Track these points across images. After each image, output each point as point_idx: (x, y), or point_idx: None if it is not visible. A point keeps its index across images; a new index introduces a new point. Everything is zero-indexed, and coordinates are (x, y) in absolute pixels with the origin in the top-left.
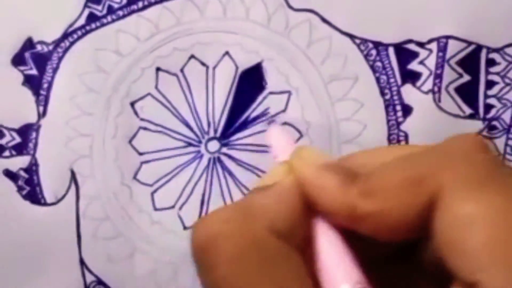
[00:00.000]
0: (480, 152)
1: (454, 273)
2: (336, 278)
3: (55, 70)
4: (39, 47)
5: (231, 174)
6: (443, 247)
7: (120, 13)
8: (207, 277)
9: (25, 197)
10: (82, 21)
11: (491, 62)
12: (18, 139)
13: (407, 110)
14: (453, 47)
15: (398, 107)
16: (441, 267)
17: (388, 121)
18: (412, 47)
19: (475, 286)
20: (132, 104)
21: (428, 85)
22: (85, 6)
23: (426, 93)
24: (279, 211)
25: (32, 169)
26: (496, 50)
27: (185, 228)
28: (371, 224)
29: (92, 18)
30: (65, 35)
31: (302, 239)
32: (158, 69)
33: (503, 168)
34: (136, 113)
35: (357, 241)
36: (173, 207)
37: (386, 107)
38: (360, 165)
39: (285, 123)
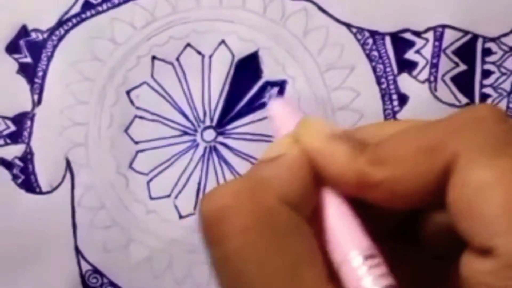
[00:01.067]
0: (498, 121)
1: (469, 240)
2: (345, 245)
3: (49, 58)
4: (33, 35)
5: (227, 163)
6: (458, 213)
7: (116, 1)
8: (217, 250)
9: (20, 185)
10: (77, 9)
11: (487, 52)
12: (12, 128)
13: (403, 99)
14: (449, 36)
15: (394, 96)
16: (442, 241)
17: (384, 110)
18: (408, 36)
19: (491, 251)
20: (128, 93)
21: (424, 74)
22: None
23: (423, 82)
24: (289, 182)
25: (27, 157)
26: (493, 40)
27: (181, 217)
28: (382, 192)
29: (87, 6)
30: (60, 23)
31: (312, 209)
32: (154, 57)
33: None
34: (131, 101)
35: (361, 215)
36: (169, 196)
37: (383, 96)
38: (369, 136)
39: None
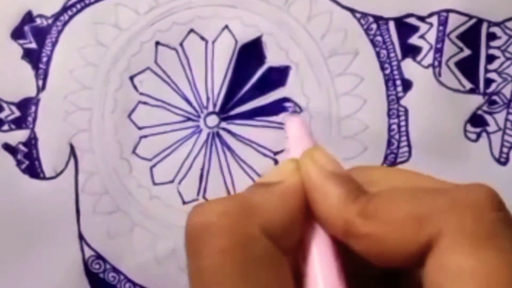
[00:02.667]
0: (491, 209)
1: None
2: (317, 285)
3: (54, 43)
4: (38, 21)
5: (229, 148)
6: None
7: None
8: (192, 264)
9: (24, 171)
10: None
11: (491, 36)
12: (17, 113)
13: (407, 85)
14: (453, 21)
15: (398, 82)
16: None
17: (388, 96)
18: (412, 21)
19: None
20: (131, 78)
21: (429, 59)
22: None
23: (426, 67)
24: (277, 212)
25: (31, 143)
26: (497, 24)
27: (184, 202)
28: (364, 244)
29: None
30: (64, 9)
31: (295, 241)
32: (157, 43)
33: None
34: (135, 87)
35: (350, 257)
36: (172, 181)
37: (386, 81)
38: (370, 182)
39: (284, 99)
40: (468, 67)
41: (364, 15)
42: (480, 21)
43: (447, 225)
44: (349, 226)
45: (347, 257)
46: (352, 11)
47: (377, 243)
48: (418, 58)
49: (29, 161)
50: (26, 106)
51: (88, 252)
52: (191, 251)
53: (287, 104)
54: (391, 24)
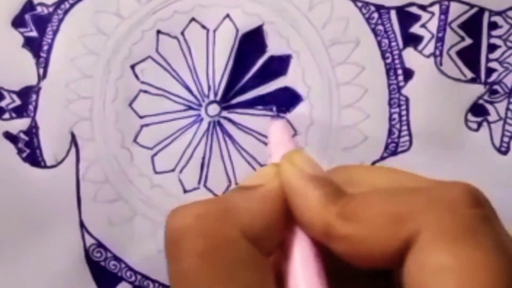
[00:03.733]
0: (469, 206)
1: None
2: (298, 286)
3: (55, 32)
4: (39, 9)
5: (231, 137)
6: None
7: None
8: (172, 268)
9: (25, 159)
10: None
11: (493, 25)
12: (18, 102)
13: (408, 74)
14: (455, 9)
15: (399, 71)
16: None
17: (389, 85)
18: (414, 10)
19: None
20: (133, 67)
21: (430, 48)
22: None
23: (428, 56)
24: (256, 215)
25: (32, 131)
26: (499, 13)
27: (185, 191)
28: (344, 246)
29: None
30: None
31: (276, 243)
32: (158, 31)
33: (491, 226)
34: (136, 76)
35: (333, 257)
36: (173, 170)
37: (387, 71)
38: (351, 182)
39: (285, 88)
40: (469, 57)
41: (366, 4)
42: (481, 10)
43: (425, 223)
44: (329, 228)
45: (334, 258)
46: (354, 0)
47: (357, 245)
48: (420, 47)
49: (30, 150)
50: (27, 94)
51: (89, 241)
52: (170, 255)
53: (271, 108)
54: (393, 13)
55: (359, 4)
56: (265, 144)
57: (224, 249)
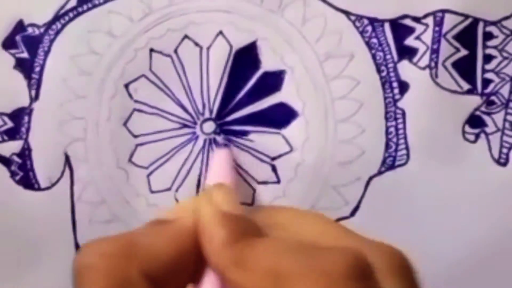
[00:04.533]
0: (349, 279)
1: None
2: None
3: (46, 53)
4: (30, 30)
5: None
6: None
7: None
8: None
9: (19, 182)
10: (73, 2)
11: (488, 36)
12: (10, 124)
13: (404, 87)
14: (449, 21)
15: (395, 84)
16: None
17: (385, 98)
18: (408, 22)
19: None
20: (126, 86)
21: (425, 60)
22: None
23: (423, 68)
24: (161, 254)
25: (25, 154)
26: (494, 23)
27: None
28: None
29: None
30: (57, 17)
31: (183, 283)
32: (151, 50)
33: None
34: (130, 95)
35: None
36: (169, 189)
37: (383, 84)
38: (276, 224)
39: (280, 103)
40: (465, 68)
41: (359, 17)
42: (476, 20)
43: None
44: (223, 271)
45: None
46: (347, 13)
47: None
48: (415, 59)
49: (23, 172)
50: (19, 116)
51: None
52: None
53: (219, 138)
54: (387, 26)
55: (353, 17)
56: (262, 161)
57: None
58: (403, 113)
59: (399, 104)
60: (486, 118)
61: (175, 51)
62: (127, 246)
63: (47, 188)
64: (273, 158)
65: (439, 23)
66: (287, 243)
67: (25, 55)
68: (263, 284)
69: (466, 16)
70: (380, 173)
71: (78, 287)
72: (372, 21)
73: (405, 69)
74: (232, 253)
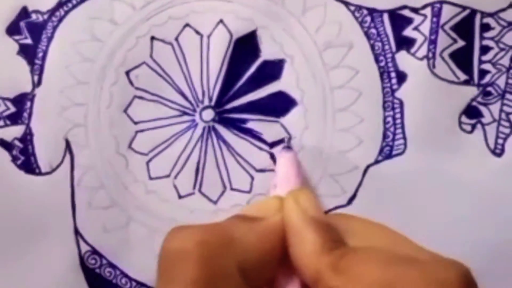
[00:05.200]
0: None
1: None
2: None
3: (50, 39)
4: (34, 16)
5: (225, 142)
6: None
7: None
8: (163, 286)
9: (20, 166)
10: None
11: (485, 27)
12: (12, 109)
13: (401, 77)
14: (447, 12)
15: (393, 74)
16: None
17: (383, 88)
18: (406, 13)
19: None
20: (127, 73)
21: (423, 51)
22: None
23: (421, 59)
24: (255, 250)
25: (26, 138)
26: (491, 15)
27: (180, 197)
28: None
29: None
30: (60, 4)
31: (267, 279)
32: (153, 38)
33: None
34: (131, 82)
35: None
36: (168, 176)
37: (381, 74)
38: (348, 231)
39: (279, 92)
40: (462, 58)
41: (358, 7)
42: (473, 12)
43: None
44: (320, 277)
45: None
46: (346, 3)
47: None
48: (412, 50)
49: (25, 157)
50: (22, 101)
51: (84, 247)
52: (163, 275)
53: (284, 138)
54: (385, 16)
55: (352, 8)
56: (260, 149)
57: (219, 281)
58: (401, 103)
59: (397, 94)
60: (482, 108)
61: (176, 39)
62: (224, 237)
63: (48, 173)
64: (271, 146)
65: (437, 14)
66: (387, 253)
67: (28, 41)
68: None
69: (464, 8)
70: (377, 162)
71: (167, 270)
72: (371, 11)
73: (403, 59)
74: (329, 259)
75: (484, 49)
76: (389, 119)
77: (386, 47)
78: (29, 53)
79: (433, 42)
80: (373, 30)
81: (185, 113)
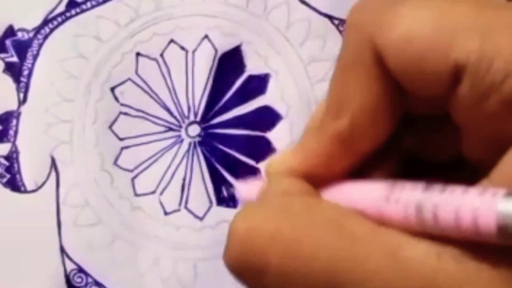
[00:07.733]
0: None
1: None
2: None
3: (35, 57)
4: (19, 34)
5: (211, 158)
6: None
7: None
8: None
9: (5, 184)
10: (62, 7)
11: None
12: None
13: None
14: None
15: None
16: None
17: None
18: None
19: None
20: (112, 90)
21: None
22: None
23: None
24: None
25: (12, 156)
26: None
27: (166, 213)
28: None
29: (72, 4)
30: (45, 22)
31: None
32: (138, 54)
33: None
34: (116, 98)
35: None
36: (154, 192)
37: None
38: None
39: (265, 106)
40: None
41: (343, 21)
42: None
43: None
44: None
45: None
46: (330, 17)
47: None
48: None
49: (10, 175)
50: (7, 119)
51: (70, 266)
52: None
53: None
54: None
55: (336, 22)
56: (246, 164)
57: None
58: None
59: None
60: None
61: (161, 55)
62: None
63: (33, 191)
64: (258, 161)
65: None
66: None
67: (14, 59)
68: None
69: None
70: None
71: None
72: None
73: None
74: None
75: None
76: None
77: None
78: (15, 71)
79: None
80: None
81: (170, 129)
